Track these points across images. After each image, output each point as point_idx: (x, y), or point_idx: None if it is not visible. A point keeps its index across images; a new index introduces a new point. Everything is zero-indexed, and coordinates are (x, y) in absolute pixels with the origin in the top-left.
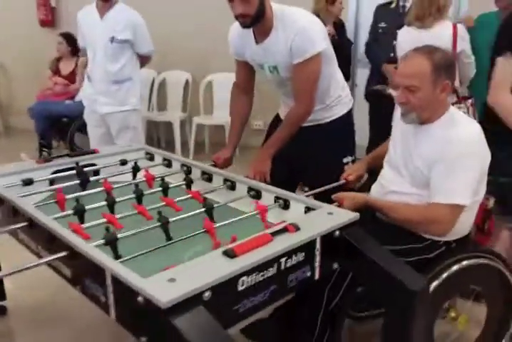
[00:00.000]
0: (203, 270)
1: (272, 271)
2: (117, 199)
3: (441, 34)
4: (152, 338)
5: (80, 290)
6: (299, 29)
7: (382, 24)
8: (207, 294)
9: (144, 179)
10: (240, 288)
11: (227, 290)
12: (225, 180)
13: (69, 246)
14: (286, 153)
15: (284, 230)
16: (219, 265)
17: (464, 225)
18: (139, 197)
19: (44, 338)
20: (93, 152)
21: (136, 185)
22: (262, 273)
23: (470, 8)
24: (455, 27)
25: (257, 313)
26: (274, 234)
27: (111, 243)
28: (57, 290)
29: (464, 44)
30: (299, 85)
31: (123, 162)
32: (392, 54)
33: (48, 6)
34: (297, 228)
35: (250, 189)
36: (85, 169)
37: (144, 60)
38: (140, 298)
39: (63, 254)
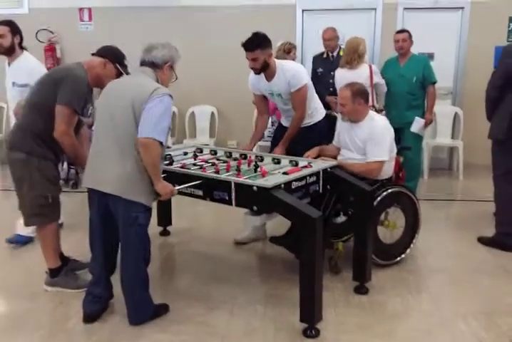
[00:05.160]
0: (278, 178)
1: (303, 182)
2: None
3: (361, 73)
4: (260, 205)
5: (210, 199)
6: (294, 73)
7: (319, 69)
8: (282, 185)
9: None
10: (293, 186)
11: (288, 185)
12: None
13: (205, 177)
14: (289, 145)
15: (305, 166)
16: (282, 176)
17: (389, 170)
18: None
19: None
20: (169, 147)
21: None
22: (300, 182)
23: (381, 52)
24: (370, 67)
25: None
26: (302, 168)
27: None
28: None
29: (377, 78)
30: (296, 102)
31: (185, 153)
32: (331, 89)
33: (55, 57)
34: (311, 166)
35: (274, 158)
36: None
37: None
38: (254, 188)
39: (199, 181)
